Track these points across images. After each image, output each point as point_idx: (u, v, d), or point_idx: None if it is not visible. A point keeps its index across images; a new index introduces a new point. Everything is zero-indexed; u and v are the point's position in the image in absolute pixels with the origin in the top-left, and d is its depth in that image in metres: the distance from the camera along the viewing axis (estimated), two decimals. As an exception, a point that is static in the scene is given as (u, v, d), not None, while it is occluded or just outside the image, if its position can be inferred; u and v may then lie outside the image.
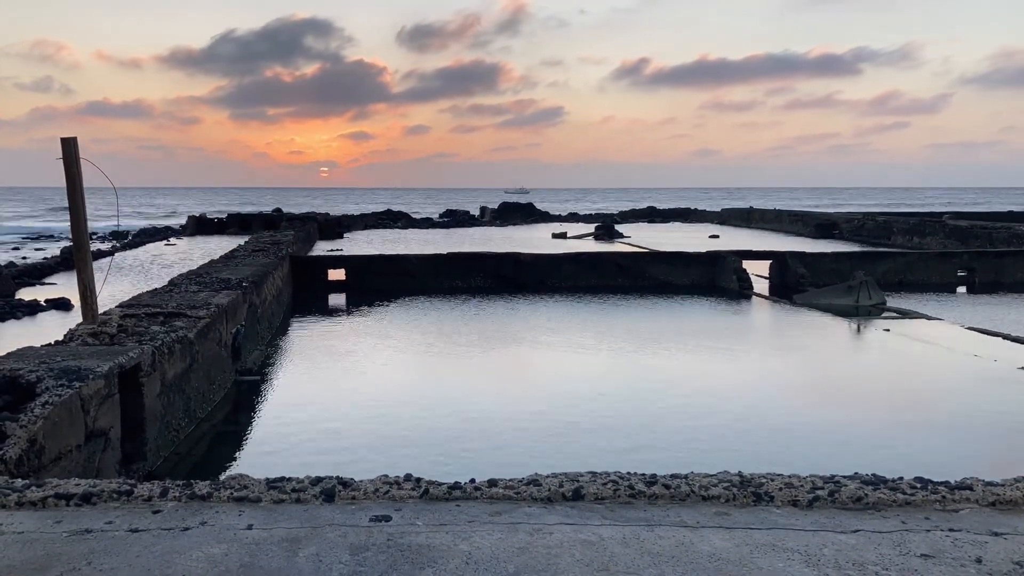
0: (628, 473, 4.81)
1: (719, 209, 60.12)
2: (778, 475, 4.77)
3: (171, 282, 13.96)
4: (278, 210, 54.08)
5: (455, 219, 58.73)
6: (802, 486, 4.58)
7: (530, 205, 61.42)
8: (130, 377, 7.78)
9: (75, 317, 14.66)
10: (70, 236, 10.32)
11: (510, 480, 4.70)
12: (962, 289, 23.22)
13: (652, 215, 60.79)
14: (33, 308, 18.37)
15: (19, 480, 4.84)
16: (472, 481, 4.71)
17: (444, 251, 25.51)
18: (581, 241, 37.89)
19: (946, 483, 4.65)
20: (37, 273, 25.71)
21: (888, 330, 16.18)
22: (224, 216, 48.19)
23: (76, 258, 9.38)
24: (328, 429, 9.65)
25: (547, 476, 4.76)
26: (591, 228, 44.66)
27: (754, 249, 26.58)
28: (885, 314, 18.22)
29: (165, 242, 40.17)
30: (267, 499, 4.45)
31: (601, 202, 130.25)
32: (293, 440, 9.32)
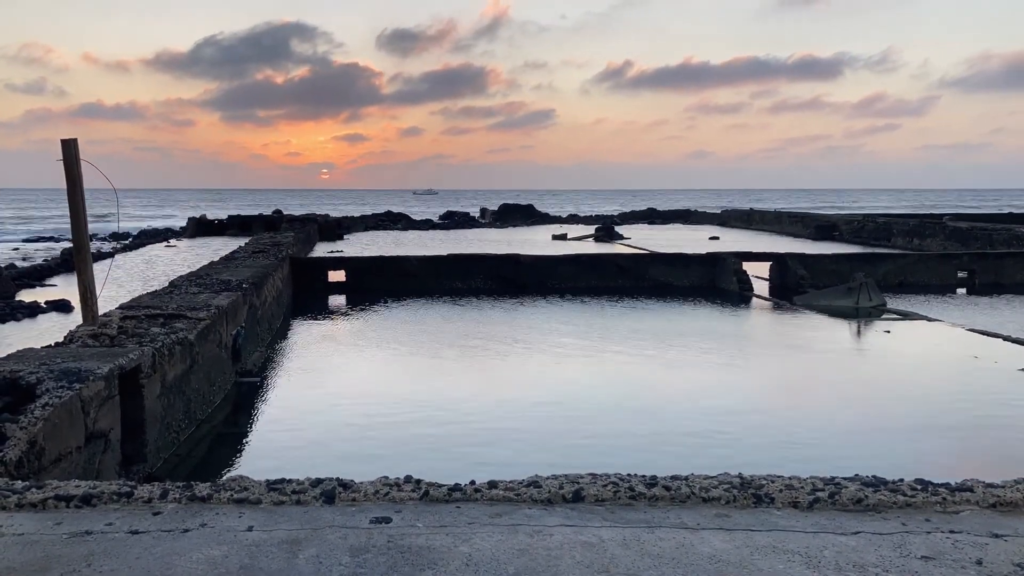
0: (628, 475, 4.81)
1: (719, 210, 60.15)
2: (778, 477, 4.77)
3: (171, 284, 13.96)
4: (278, 211, 54.06)
5: (455, 220, 58.73)
6: (802, 488, 4.58)
7: (530, 207, 61.45)
8: (130, 379, 7.78)
9: (75, 318, 14.68)
10: (70, 237, 10.32)
11: (510, 482, 4.70)
12: (962, 290, 23.22)
13: (652, 216, 60.81)
14: (33, 310, 18.38)
15: (19, 482, 4.83)
16: (472, 483, 4.71)
17: (444, 252, 25.53)
18: (581, 242, 37.88)
19: (946, 485, 4.64)
20: (37, 274, 25.72)
21: (888, 331, 16.18)
22: (224, 218, 48.24)
23: (76, 259, 9.38)
24: (328, 430, 9.65)
25: (547, 478, 4.76)
26: (591, 230, 44.69)
27: (754, 250, 26.58)
28: (885, 316, 18.22)
29: (165, 243, 40.19)
30: (267, 501, 4.45)
31: (600, 204, 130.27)
32: (293, 441, 9.32)
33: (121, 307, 10.89)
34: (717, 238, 39.92)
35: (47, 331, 15.28)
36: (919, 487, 4.60)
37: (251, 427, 9.94)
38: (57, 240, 46.86)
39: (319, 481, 4.69)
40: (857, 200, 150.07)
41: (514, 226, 53.30)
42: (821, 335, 16.06)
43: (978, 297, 21.88)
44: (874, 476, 4.84)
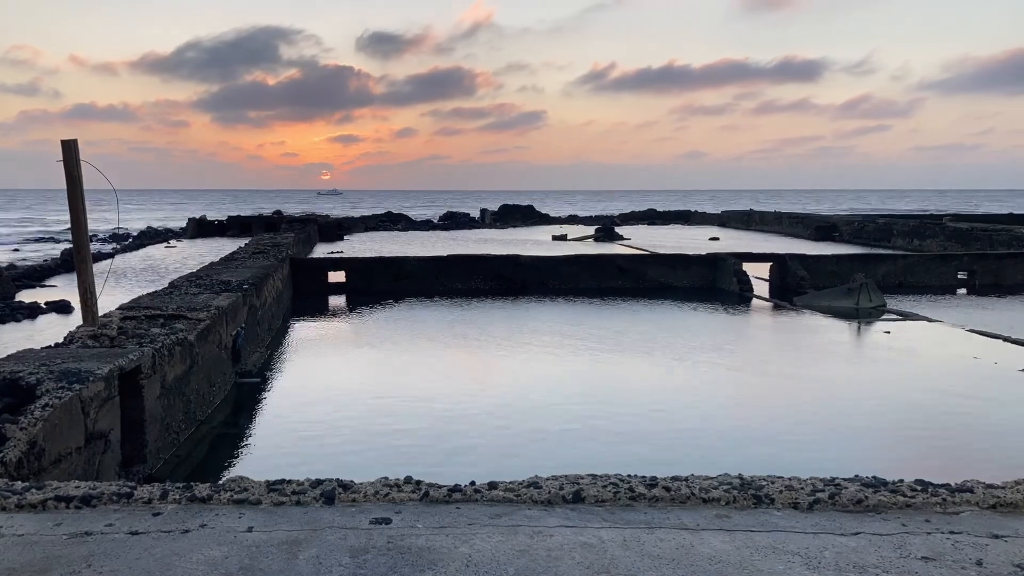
0: (628, 475, 4.81)
1: (719, 211, 60.17)
2: (778, 477, 4.77)
3: (171, 284, 13.96)
4: (278, 212, 54.06)
5: (455, 221, 58.72)
6: (802, 488, 4.58)
7: (530, 207, 61.42)
8: (130, 379, 7.78)
9: (75, 319, 14.67)
10: (70, 238, 10.32)
11: (510, 482, 4.70)
12: (962, 291, 23.22)
13: (652, 217, 60.83)
14: (33, 310, 18.38)
15: (19, 482, 4.83)
16: (472, 483, 4.71)
17: (444, 253, 25.53)
18: (581, 243, 37.88)
19: (946, 485, 4.64)
20: (37, 275, 25.73)
21: (889, 332, 16.17)
22: (224, 218, 48.23)
23: (76, 260, 9.38)
24: (328, 431, 9.64)
25: (547, 478, 4.76)
26: (591, 230, 44.70)
27: (754, 251, 26.57)
28: (885, 316, 18.21)
29: (166, 244, 40.19)
30: (267, 501, 4.45)
31: (599, 205, 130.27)
32: (293, 442, 9.32)
33: (121, 308, 10.88)
34: (717, 239, 39.92)
35: (47, 332, 15.28)
36: (919, 488, 4.60)
37: (251, 428, 9.93)
38: (57, 241, 46.88)
39: (319, 482, 4.69)
40: (841, 202, 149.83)
41: (514, 226, 53.31)
42: (821, 336, 16.06)
43: (978, 298, 21.87)
44: (874, 477, 4.84)
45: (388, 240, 41.52)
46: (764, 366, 13.60)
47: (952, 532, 4.05)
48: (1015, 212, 59.87)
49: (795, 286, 21.94)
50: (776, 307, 20.06)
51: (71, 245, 11.07)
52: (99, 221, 44.82)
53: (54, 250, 37.44)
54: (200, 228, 46.58)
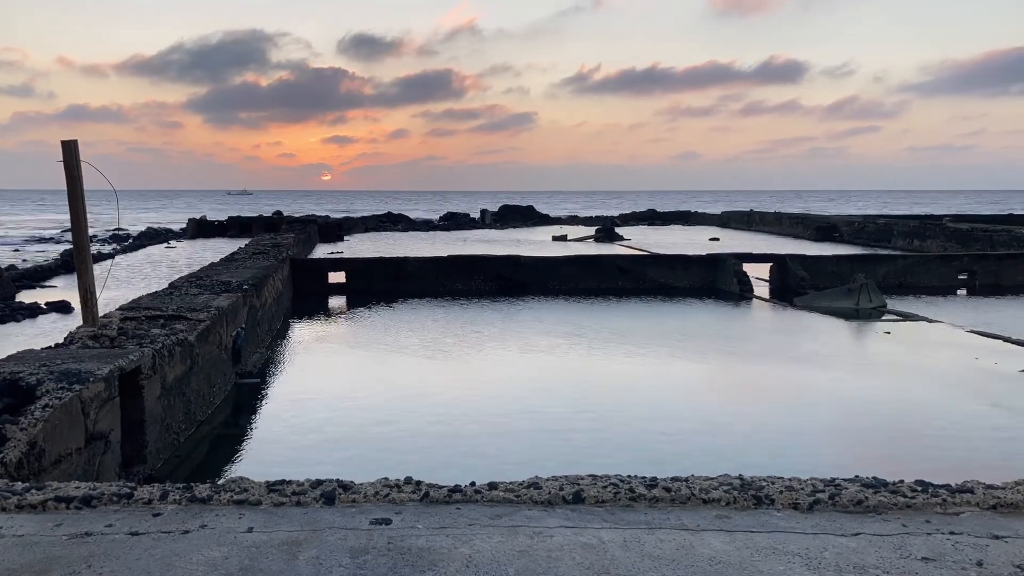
0: (628, 476, 4.81)
1: (719, 212, 60.17)
2: (779, 478, 4.77)
3: (171, 285, 13.96)
4: (278, 213, 54.08)
5: (455, 222, 58.73)
6: (803, 489, 4.58)
7: (530, 208, 61.43)
8: (130, 380, 7.78)
9: (75, 320, 14.68)
10: (70, 239, 10.32)
11: (510, 483, 4.70)
12: (963, 292, 23.21)
13: (652, 218, 60.82)
14: (33, 311, 18.38)
15: (19, 483, 4.83)
16: (472, 484, 4.71)
17: (444, 254, 25.53)
18: (582, 243, 37.88)
19: (947, 486, 4.64)
20: (37, 276, 25.73)
21: (889, 333, 16.17)
22: (224, 219, 48.24)
23: (76, 261, 9.38)
24: (328, 431, 9.64)
25: (547, 479, 4.76)
26: (591, 231, 44.69)
27: (754, 252, 26.58)
28: (886, 317, 18.21)
29: (166, 245, 40.20)
30: (267, 502, 4.44)
31: (598, 205, 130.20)
32: (293, 443, 9.32)
33: (121, 308, 10.88)
34: (717, 239, 39.92)
35: (47, 332, 15.28)
36: (919, 488, 4.60)
37: (251, 428, 9.93)
38: (57, 241, 46.88)
39: (319, 482, 4.68)
40: (835, 199, 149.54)
41: (514, 227, 53.32)
42: (821, 337, 16.05)
43: (978, 298, 21.88)
44: (874, 477, 4.83)
45: (388, 241, 41.53)
46: (764, 366, 13.59)
47: (952, 533, 4.05)
48: (1015, 212, 59.84)
49: (795, 287, 21.94)
50: (776, 308, 20.05)
51: (71, 246, 11.07)
52: (97, 225, 44.87)
53: (54, 250, 37.44)
54: (200, 228, 46.62)
